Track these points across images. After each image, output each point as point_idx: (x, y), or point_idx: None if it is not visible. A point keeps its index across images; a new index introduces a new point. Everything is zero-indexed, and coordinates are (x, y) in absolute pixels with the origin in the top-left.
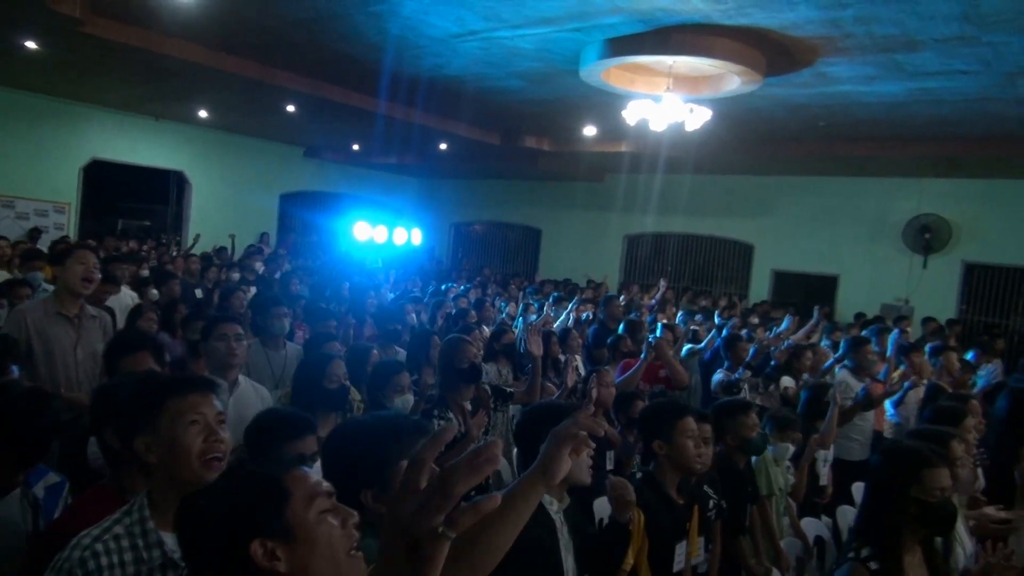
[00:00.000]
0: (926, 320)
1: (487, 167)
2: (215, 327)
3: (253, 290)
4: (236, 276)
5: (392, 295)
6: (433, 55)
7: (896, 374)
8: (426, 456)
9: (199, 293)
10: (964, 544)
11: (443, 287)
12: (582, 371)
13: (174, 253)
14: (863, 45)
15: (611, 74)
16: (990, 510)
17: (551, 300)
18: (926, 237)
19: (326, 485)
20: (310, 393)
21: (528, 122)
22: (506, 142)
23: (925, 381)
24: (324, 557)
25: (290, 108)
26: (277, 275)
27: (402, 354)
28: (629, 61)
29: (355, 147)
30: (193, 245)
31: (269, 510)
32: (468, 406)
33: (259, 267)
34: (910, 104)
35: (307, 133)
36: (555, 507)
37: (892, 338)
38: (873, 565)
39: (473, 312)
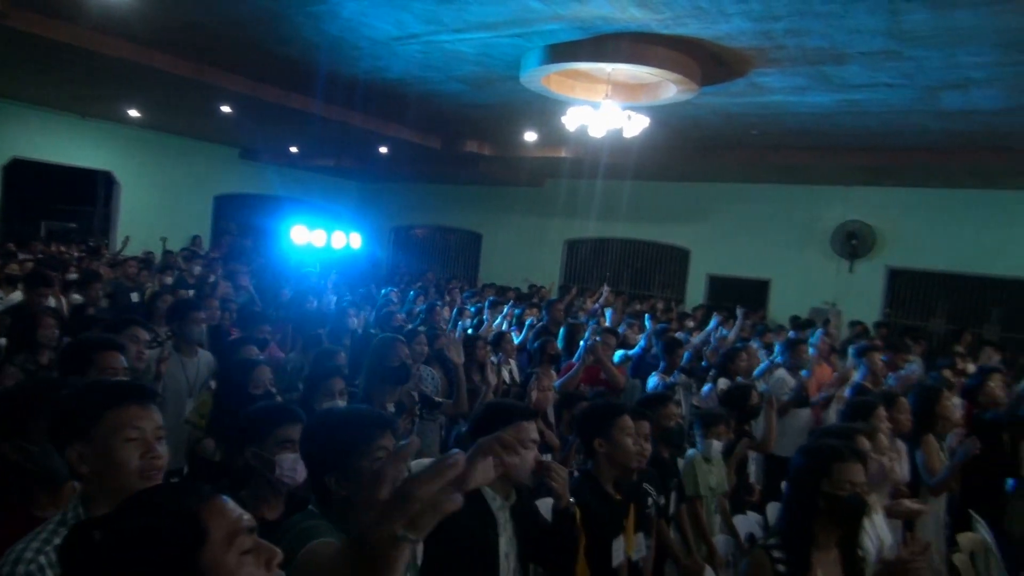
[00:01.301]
0: (853, 323)
1: (428, 171)
2: (122, 331)
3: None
4: (169, 279)
5: (334, 299)
6: (373, 57)
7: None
8: (387, 470)
9: (135, 297)
10: (883, 537)
11: (382, 291)
12: (516, 374)
13: (103, 256)
14: (794, 57)
15: (551, 80)
16: (906, 502)
17: (487, 304)
18: (852, 243)
19: (247, 519)
20: (235, 399)
21: (469, 127)
22: (447, 146)
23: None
24: None
25: (225, 108)
26: (211, 279)
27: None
28: (569, 68)
29: (293, 149)
30: (122, 248)
31: (180, 554)
32: (391, 408)
33: (196, 270)
34: (838, 115)
35: (243, 134)
36: (497, 502)
37: (816, 338)
38: (776, 554)
39: (401, 315)
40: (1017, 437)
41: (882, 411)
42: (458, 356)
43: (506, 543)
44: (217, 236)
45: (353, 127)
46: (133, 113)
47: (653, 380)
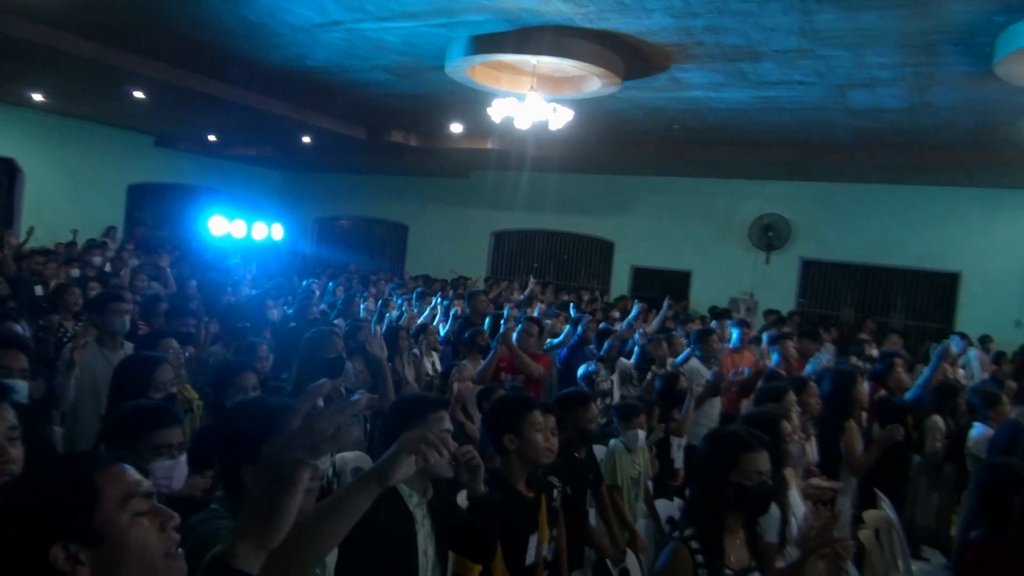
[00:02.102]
0: (768, 312)
1: (353, 161)
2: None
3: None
4: (76, 272)
5: (253, 292)
6: (294, 45)
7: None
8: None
9: (39, 290)
10: (797, 514)
11: (304, 283)
12: (438, 366)
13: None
14: (712, 54)
15: (476, 71)
16: (818, 481)
17: (414, 296)
18: (769, 235)
19: (146, 485)
20: (132, 396)
21: (394, 117)
22: (372, 137)
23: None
24: (135, 562)
25: (138, 94)
26: (123, 272)
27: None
28: (494, 59)
29: (211, 137)
30: (27, 239)
31: (74, 512)
32: (320, 402)
33: (98, 261)
34: (754, 111)
35: (158, 121)
36: (415, 500)
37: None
38: (695, 544)
39: (321, 307)
40: (920, 419)
41: (792, 396)
42: (380, 350)
43: (424, 539)
44: (131, 227)
45: (275, 116)
46: (38, 97)
47: (583, 369)
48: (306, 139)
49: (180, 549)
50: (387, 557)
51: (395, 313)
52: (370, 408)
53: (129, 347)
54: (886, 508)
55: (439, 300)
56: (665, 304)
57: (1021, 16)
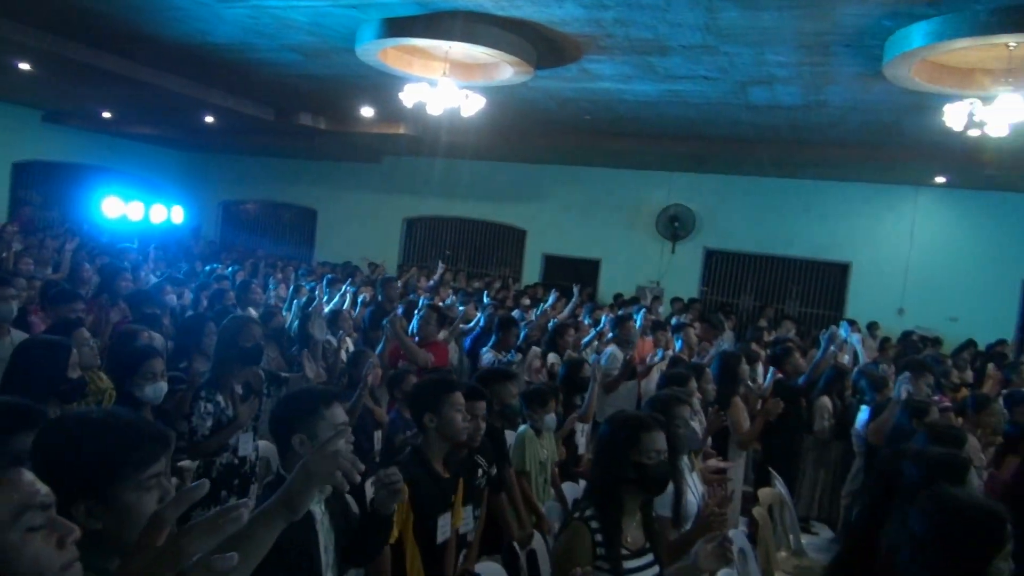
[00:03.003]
0: (674, 300)
1: (260, 143)
2: None
3: None
4: None
5: (154, 277)
6: (196, 19)
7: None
8: (167, 515)
9: None
10: (695, 491)
11: (207, 268)
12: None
13: None
14: (622, 46)
15: (388, 55)
16: (712, 462)
17: (324, 282)
18: (675, 225)
19: (43, 494)
20: (37, 383)
21: (304, 99)
22: (280, 118)
23: (671, 353)
24: None
25: (23, 65)
26: (5, 255)
27: (159, 339)
28: (405, 43)
29: (106, 114)
30: None
31: None
32: (239, 390)
33: None
34: (662, 104)
35: (47, 95)
36: (315, 496)
37: (639, 316)
38: (594, 524)
39: (232, 293)
40: (811, 400)
41: (693, 382)
42: (321, 332)
43: (324, 535)
44: (15, 207)
45: (174, 93)
46: None
47: (487, 357)
48: (209, 119)
49: (79, 563)
50: (289, 556)
51: (304, 299)
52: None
53: (18, 335)
54: (779, 486)
55: (348, 286)
56: (575, 293)
57: (908, 21)
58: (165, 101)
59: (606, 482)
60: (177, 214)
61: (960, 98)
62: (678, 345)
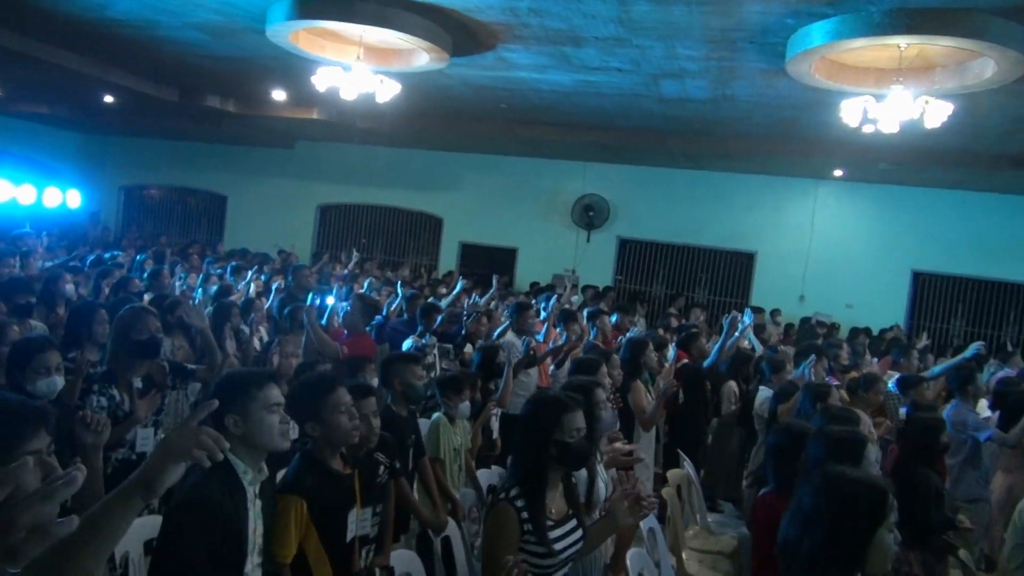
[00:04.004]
0: (585, 287)
1: (164, 126)
2: None
3: None
4: None
5: (47, 264)
6: None
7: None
8: (21, 511)
9: None
10: (603, 477)
11: (107, 255)
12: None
13: None
14: (537, 36)
15: (300, 37)
16: (619, 445)
17: (228, 270)
18: (590, 215)
19: None
20: None
21: (211, 80)
22: (186, 100)
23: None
24: None
25: None
26: None
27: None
28: (318, 26)
29: None
30: None
31: None
32: (138, 383)
33: None
34: (576, 94)
35: None
36: (249, 476)
37: (551, 304)
38: (519, 503)
39: (138, 281)
40: (717, 384)
41: (604, 368)
42: (200, 320)
43: (254, 518)
44: None
45: (70, 71)
46: None
47: (409, 343)
48: (108, 99)
49: None
50: (217, 533)
51: (214, 288)
52: (199, 382)
53: None
54: (686, 467)
55: (254, 273)
56: (495, 282)
57: (808, 20)
58: (60, 79)
59: (529, 461)
60: (73, 198)
61: (856, 95)
62: (592, 333)
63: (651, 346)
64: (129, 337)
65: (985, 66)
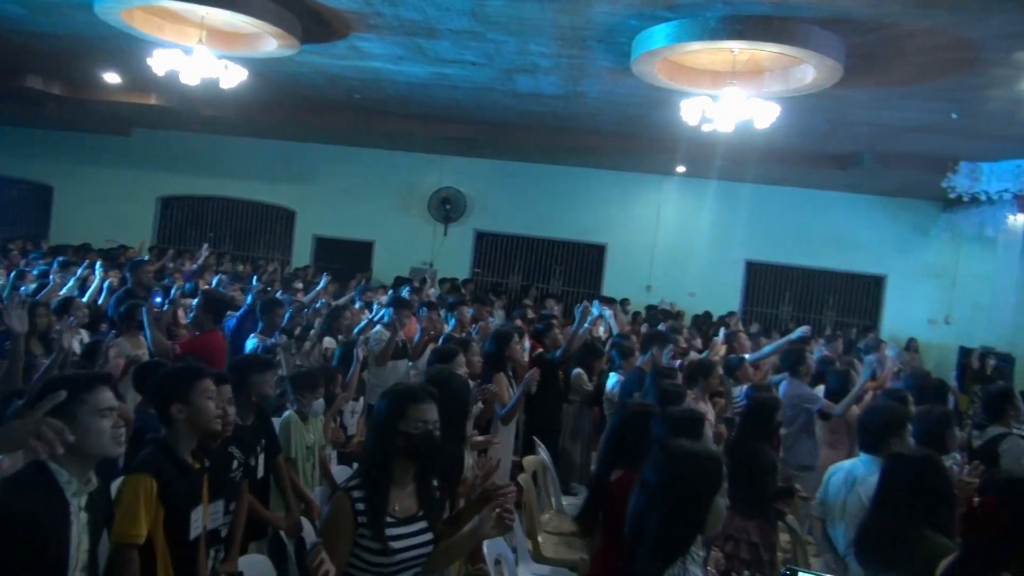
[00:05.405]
0: (442, 280)
1: None
2: None
3: None
4: None
5: None
6: None
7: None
8: None
9: None
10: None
11: None
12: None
13: None
14: (392, 26)
15: (134, 16)
16: (478, 438)
17: (55, 266)
18: (447, 208)
19: None
20: None
21: (33, 59)
22: (3, 80)
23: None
24: None
25: None
26: None
27: None
28: (154, 4)
29: None
30: None
31: None
32: None
33: None
34: (432, 87)
35: None
36: (74, 487)
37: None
38: (356, 494)
39: None
40: (569, 372)
41: (461, 356)
42: (20, 325)
43: (79, 532)
44: None
45: None
46: None
47: (252, 342)
48: None
49: None
50: (33, 547)
51: (32, 286)
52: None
53: None
54: (541, 453)
55: (85, 269)
56: (358, 279)
57: (651, 22)
58: None
59: (375, 452)
60: None
61: (695, 95)
62: (451, 324)
63: (516, 338)
64: None
65: (807, 72)
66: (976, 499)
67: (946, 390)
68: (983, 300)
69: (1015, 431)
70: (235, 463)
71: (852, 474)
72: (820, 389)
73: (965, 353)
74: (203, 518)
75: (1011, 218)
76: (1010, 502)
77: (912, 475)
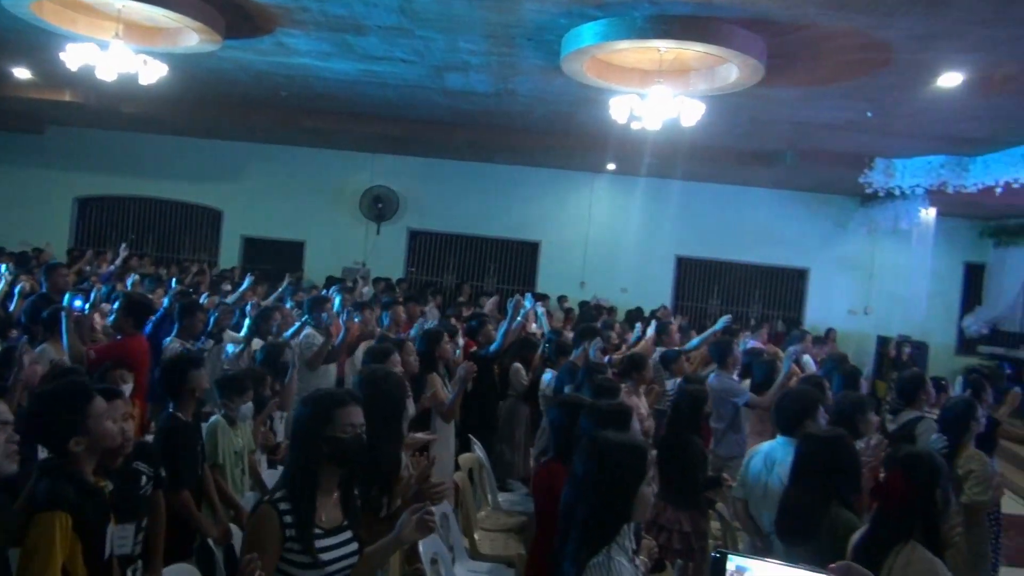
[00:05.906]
0: (376, 280)
1: None
2: None
3: None
4: None
5: None
6: None
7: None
8: None
9: None
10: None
11: None
12: None
13: None
14: (318, 21)
15: (44, 8)
16: (419, 436)
17: None
18: (379, 207)
19: None
20: None
21: None
22: None
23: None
24: None
25: None
26: None
27: None
28: None
29: None
30: None
31: None
32: None
33: None
34: (361, 84)
35: None
36: None
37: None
38: (283, 505)
39: None
40: (504, 368)
41: (396, 356)
42: None
43: None
44: None
45: None
46: None
47: (172, 346)
48: None
49: None
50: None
51: None
52: None
53: None
54: (477, 450)
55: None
56: (286, 279)
57: (580, 21)
58: None
59: (300, 460)
60: None
61: (623, 94)
62: (384, 322)
63: (446, 337)
64: None
65: (731, 71)
66: (882, 474)
67: (858, 376)
68: (899, 291)
69: (927, 414)
70: (143, 478)
71: (771, 456)
72: (749, 383)
73: (883, 342)
74: (110, 543)
75: (923, 212)
76: (912, 475)
77: (826, 454)
